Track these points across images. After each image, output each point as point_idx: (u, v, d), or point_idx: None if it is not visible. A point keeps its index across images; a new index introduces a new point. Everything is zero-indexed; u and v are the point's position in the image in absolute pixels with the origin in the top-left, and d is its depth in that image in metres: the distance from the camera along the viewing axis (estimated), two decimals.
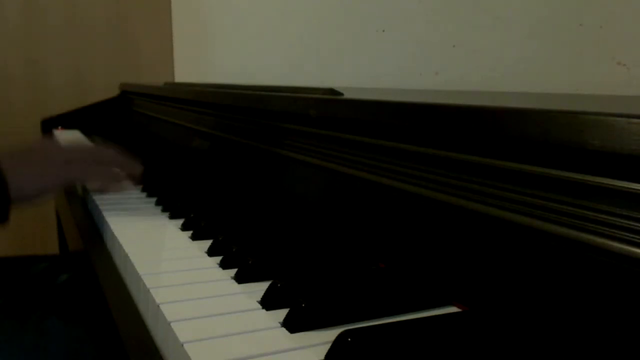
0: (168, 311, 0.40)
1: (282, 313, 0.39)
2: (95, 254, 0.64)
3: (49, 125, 1.60)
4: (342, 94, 0.63)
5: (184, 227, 0.63)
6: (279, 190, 0.72)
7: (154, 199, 0.78)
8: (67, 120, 1.62)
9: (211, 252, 0.54)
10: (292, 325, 0.37)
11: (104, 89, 1.79)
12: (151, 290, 0.44)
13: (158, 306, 0.41)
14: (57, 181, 0.74)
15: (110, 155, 0.80)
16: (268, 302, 0.41)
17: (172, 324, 0.38)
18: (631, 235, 0.31)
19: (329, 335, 0.35)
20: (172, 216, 0.69)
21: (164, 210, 0.72)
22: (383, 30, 1.00)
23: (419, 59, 0.92)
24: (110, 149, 0.80)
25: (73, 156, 0.75)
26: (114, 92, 1.71)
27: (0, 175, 0.65)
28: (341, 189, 0.58)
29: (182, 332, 0.37)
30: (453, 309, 0.41)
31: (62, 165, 0.73)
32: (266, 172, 0.75)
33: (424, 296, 0.42)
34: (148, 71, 2.04)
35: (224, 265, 0.50)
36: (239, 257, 0.49)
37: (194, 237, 0.60)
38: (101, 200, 0.77)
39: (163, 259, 0.55)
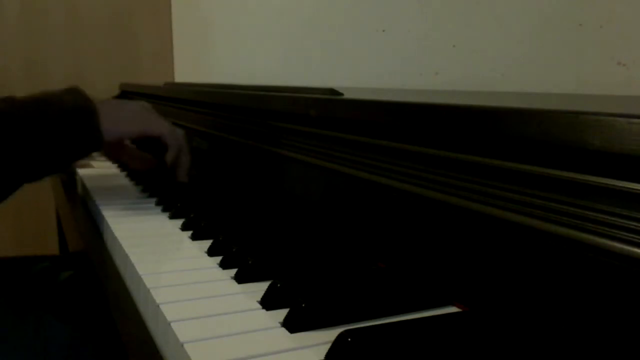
0: (168, 311, 0.40)
1: (282, 313, 0.39)
2: (95, 254, 0.64)
3: None
4: (342, 94, 0.63)
5: (184, 227, 0.63)
6: (278, 190, 0.72)
7: (154, 199, 0.78)
8: None
9: (211, 252, 0.54)
10: (292, 325, 0.37)
11: (104, 89, 1.78)
12: (151, 290, 0.44)
13: (158, 306, 0.41)
14: (140, 129, 0.81)
15: (182, 137, 0.85)
16: (268, 302, 0.41)
17: (172, 324, 0.38)
18: (631, 235, 0.31)
19: (329, 335, 0.35)
20: (173, 216, 0.69)
21: (164, 210, 0.72)
22: (383, 30, 1.00)
23: (419, 59, 0.92)
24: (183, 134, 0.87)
25: (160, 119, 0.84)
26: (114, 92, 1.71)
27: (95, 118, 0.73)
28: (341, 189, 0.58)
29: (182, 332, 0.37)
30: (453, 309, 0.41)
31: (148, 118, 0.82)
32: (266, 172, 0.75)
33: (424, 296, 0.42)
34: (148, 71, 2.04)
35: (224, 265, 0.50)
36: (239, 257, 0.49)
37: (194, 237, 0.60)
38: (101, 200, 0.77)
39: (163, 259, 0.55)
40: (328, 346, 0.34)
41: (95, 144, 0.75)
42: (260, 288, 0.43)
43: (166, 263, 0.53)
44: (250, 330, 0.37)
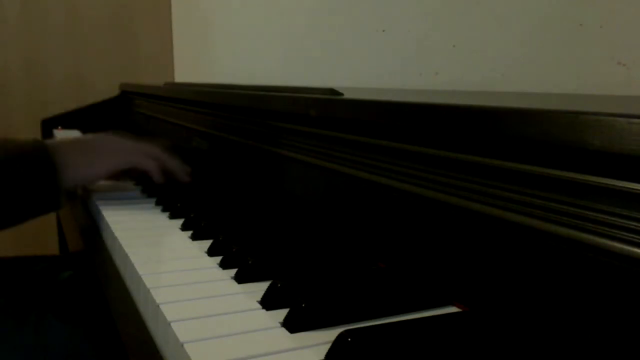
0: (168, 311, 0.40)
1: (282, 313, 0.39)
2: (95, 254, 0.64)
3: (49, 125, 1.60)
4: (342, 94, 0.62)
5: (184, 227, 0.63)
6: (278, 190, 0.72)
7: (154, 199, 0.78)
8: (67, 120, 1.62)
9: (211, 252, 0.54)
10: (292, 325, 0.37)
11: (104, 89, 1.79)
12: (151, 290, 0.44)
13: (158, 306, 0.41)
14: (109, 168, 0.79)
15: (157, 152, 0.83)
16: (268, 302, 0.41)
17: (172, 324, 0.38)
18: (631, 235, 0.31)
19: (329, 335, 0.35)
20: (172, 216, 0.69)
21: (164, 210, 0.72)
22: (383, 30, 1.00)
23: (419, 59, 0.92)
24: (156, 146, 0.84)
25: (126, 146, 0.81)
26: (114, 92, 1.71)
27: (52, 163, 0.70)
28: (341, 188, 0.58)
29: (182, 332, 0.37)
30: (453, 309, 0.41)
31: (114, 152, 0.79)
32: (266, 172, 0.75)
33: (424, 296, 0.42)
34: (148, 71, 2.04)
35: (224, 265, 0.50)
36: (239, 257, 0.49)
37: (194, 237, 0.60)
38: (101, 201, 0.77)
39: (163, 259, 0.55)
40: (328, 346, 0.34)
41: (56, 205, 0.72)
42: (260, 288, 0.43)
43: (166, 263, 0.53)
44: (250, 330, 0.37)
